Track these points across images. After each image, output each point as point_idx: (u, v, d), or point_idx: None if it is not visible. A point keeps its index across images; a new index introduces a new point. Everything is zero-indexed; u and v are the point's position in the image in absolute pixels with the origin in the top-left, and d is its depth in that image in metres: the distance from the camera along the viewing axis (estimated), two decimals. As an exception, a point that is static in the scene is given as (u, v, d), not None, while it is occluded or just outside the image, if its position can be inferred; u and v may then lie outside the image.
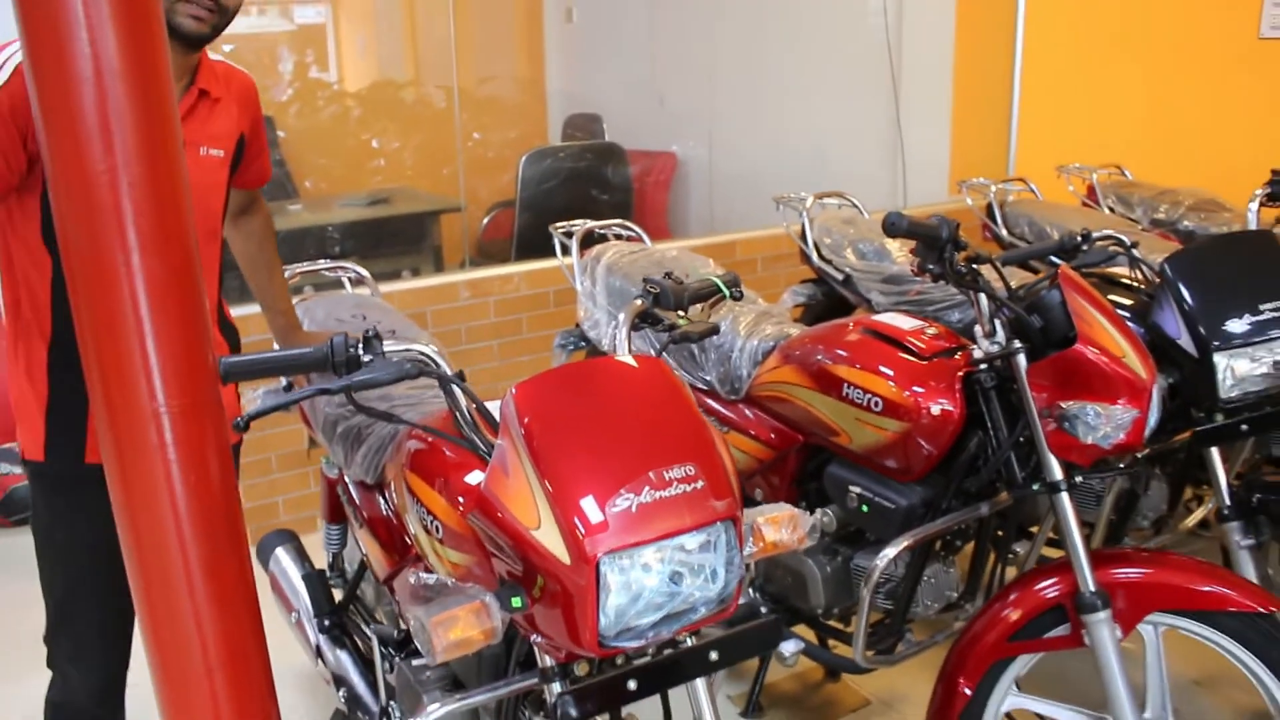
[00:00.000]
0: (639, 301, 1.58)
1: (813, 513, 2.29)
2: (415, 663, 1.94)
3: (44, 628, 1.83)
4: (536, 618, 1.31)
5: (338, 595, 2.33)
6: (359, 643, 2.20)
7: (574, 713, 1.34)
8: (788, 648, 2.25)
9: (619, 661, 1.38)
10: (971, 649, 1.90)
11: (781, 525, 1.45)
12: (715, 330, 1.60)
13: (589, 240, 3.05)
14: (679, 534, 1.27)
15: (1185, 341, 2.11)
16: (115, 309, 0.99)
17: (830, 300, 3.22)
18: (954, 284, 1.77)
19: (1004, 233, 3.54)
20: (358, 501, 2.03)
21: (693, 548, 1.29)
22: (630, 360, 1.43)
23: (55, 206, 0.98)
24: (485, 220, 5.97)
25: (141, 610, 1.11)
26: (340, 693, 2.12)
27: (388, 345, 1.43)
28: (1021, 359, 1.82)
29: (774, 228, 4.36)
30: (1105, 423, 1.68)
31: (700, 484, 1.30)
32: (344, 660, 2.17)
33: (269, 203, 5.38)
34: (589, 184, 4.95)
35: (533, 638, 1.36)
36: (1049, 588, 1.86)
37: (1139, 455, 2.09)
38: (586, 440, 1.31)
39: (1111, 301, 2.45)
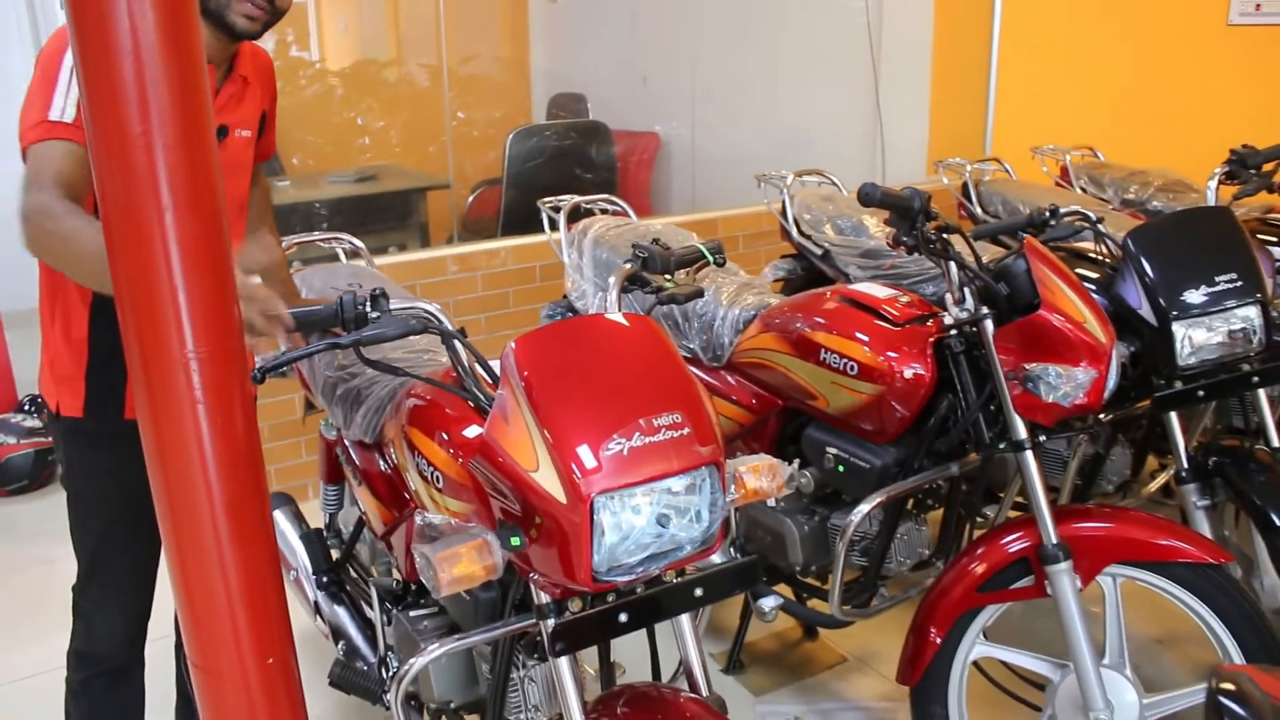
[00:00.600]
0: (628, 265, 1.67)
1: (792, 475, 2.40)
2: (413, 613, 2.03)
3: (74, 578, 1.90)
4: (534, 556, 1.40)
5: (334, 555, 2.41)
6: (356, 598, 2.29)
7: (568, 644, 1.43)
8: (767, 603, 2.34)
9: (610, 599, 1.47)
10: (941, 600, 2.01)
11: (761, 473, 1.55)
12: (700, 293, 1.69)
13: (576, 215, 3.14)
14: (667, 476, 1.36)
15: (1146, 311, 2.21)
16: (149, 264, 1.07)
17: (809, 275, 3.31)
18: (925, 253, 1.87)
19: (978, 211, 3.64)
20: (357, 461, 2.12)
21: (679, 490, 1.38)
22: (621, 318, 1.52)
23: (95, 169, 1.05)
24: (471, 198, 6.03)
25: (169, 547, 1.19)
26: (339, 645, 2.21)
27: (394, 304, 1.51)
28: (989, 324, 1.92)
29: (755, 206, 4.45)
30: (1066, 383, 1.78)
31: (686, 430, 1.39)
32: (342, 614, 2.26)
33: (257, 178, 5.31)
34: (574, 162, 5.03)
35: (530, 576, 1.45)
36: (1014, 541, 1.97)
37: (1100, 418, 2.20)
38: (581, 389, 1.40)
39: (1078, 274, 2.57)
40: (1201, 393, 2.23)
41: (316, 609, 2.32)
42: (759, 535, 2.42)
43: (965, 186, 3.73)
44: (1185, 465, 2.33)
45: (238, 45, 1.82)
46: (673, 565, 1.43)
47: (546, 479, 1.35)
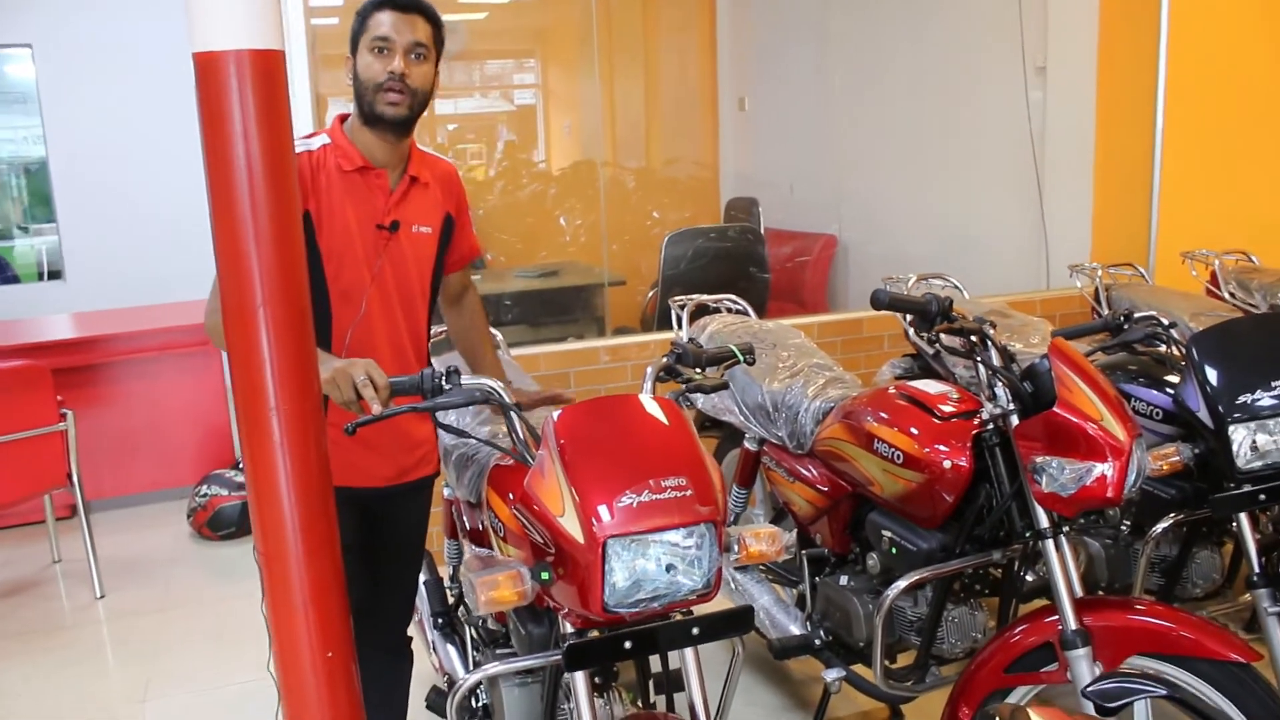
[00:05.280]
0: (665, 359, 1.96)
1: (864, 556, 2.57)
2: (499, 651, 2.35)
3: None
4: (559, 590, 1.69)
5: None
6: (465, 639, 2.62)
7: (580, 662, 1.69)
8: (830, 675, 2.53)
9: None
10: (973, 678, 2.13)
11: (762, 539, 1.78)
12: (724, 386, 1.95)
13: (705, 312, 3.45)
14: (668, 529, 1.62)
15: (1203, 414, 2.28)
16: (251, 341, 1.46)
17: (926, 375, 3.46)
18: (950, 353, 2.05)
19: (1107, 314, 3.68)
20: (465, 519, 2.48)
21: (681, 542, 1.64)
22: (650, 399, 1.81)
23: (218, 267, 1.46)
24: (650, 294, 6.46)
25: (262, 557, 1.56)
26: (444, 678, 2.55)
27: (464, 379, 1.86)
28: (1013, 419, 2.07)
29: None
30: (1065, 474, 1.91)
31: (689, 492, 1.65)
32: (451, 652, 2.61)
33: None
34: (727, 263, 5.38)
35: (559, 610, 1.74)
36: (1044, 626, 2.07)
37: (1115, 511, 2.24)
38: (603, 454, 1.69)
39: (1164, 380, 2.64)
40: (1263, 496, 2.26)
41: (433, 647, 2.67)
42: (831, 612, 2.59)
43: (1096, 291, 3.79)
44: (1256, 569, 2.34)
45: (407, 146, 2.16)
46: (671, 606, 1.68)
47: (570, 523, 1.64)
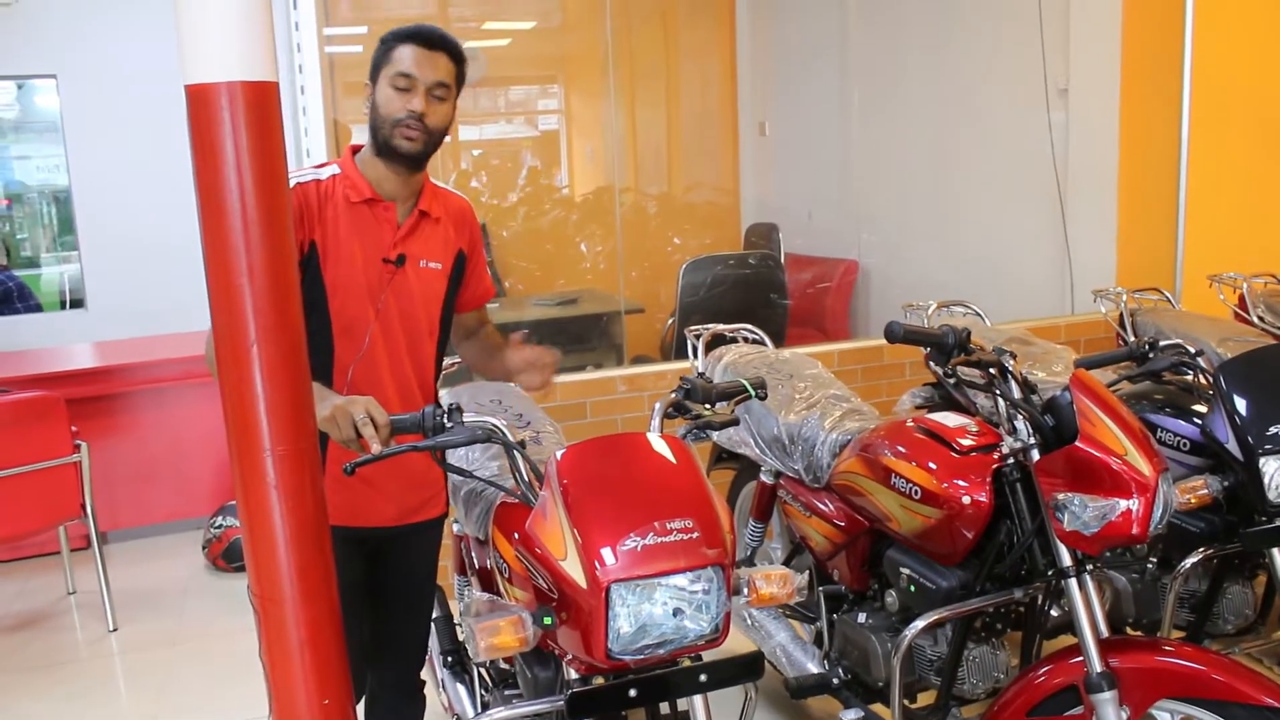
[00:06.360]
0: (673, 395, 1.91)
1: (883, 593, 2.50)
2: (507, 692, 2.30)
3: None
4: (562, 635, 1.64)
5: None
6: (475, 678, 2.57)
7: (582, 712, 1.64)
8: (848, 715, 2.46)
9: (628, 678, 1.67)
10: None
11: (773, 581, 1.72)
12: (734, 422, 1.90)
13: (721, 341, 3.40)
14: (675, 572, 1.57)
15: (1233, 446, 2.21)
16: (245, 380, 1.43)
17: (946, 404, 3.39)
18: (967, 386, 1.99)
19: (1132, 340, 3.60)
20: (473, 555, 2.43)
21: (688, 586, 1.59)
22: (657, 437, 1.76)
23: (211, 303, 1.43)
24: (669, 322, 6.41)
25: (256, 599, 1.52)
26: (452, 719, 2.49)
27: (467, 417, 1.82)
28: (1034, 454, 2.00)
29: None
30: (1087, 513, 1.84)
31: (696, 535, 1.60)
32: (460, 692, 2.55)
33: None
34: (746, 290, 5.33)
35: (564, 656, 1.68)
36: (1068, 668, 2.00)
37: (1144, 549, 2.17)
38: (607, 495, 1.64)
39: (1191, 410, 2.57)
40: (1294, 531, 2.19)
41: (441, 685, 2.62)
42: (850, 650, 2.52)
43: (1122, 316, 3.71)
44: (1290, 608, 2.26)
45: (420, 180, 2.12)
46: (678, 652, 1.62)
47: (572, 567, 1.59)
